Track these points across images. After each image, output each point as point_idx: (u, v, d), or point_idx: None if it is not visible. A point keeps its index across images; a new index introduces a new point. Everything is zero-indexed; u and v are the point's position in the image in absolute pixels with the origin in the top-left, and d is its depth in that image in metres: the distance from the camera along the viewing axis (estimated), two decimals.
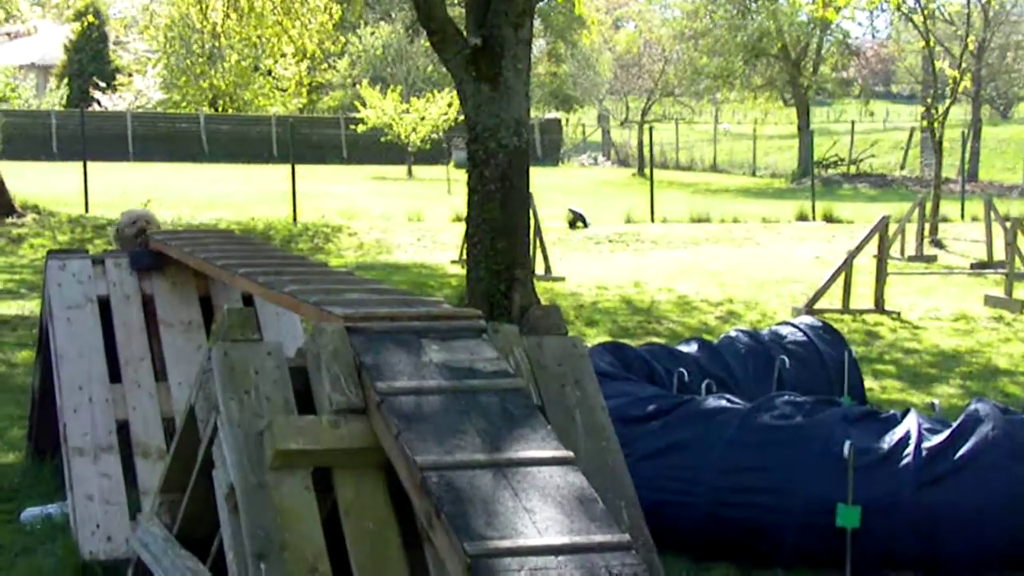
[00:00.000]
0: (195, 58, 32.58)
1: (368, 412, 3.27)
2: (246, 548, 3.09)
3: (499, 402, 3.27)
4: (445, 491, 2.85)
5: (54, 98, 43.75)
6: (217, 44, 23.73)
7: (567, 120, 50.53)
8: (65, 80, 44.90)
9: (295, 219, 20.33)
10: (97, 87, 43.25)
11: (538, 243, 14.40)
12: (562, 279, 14.43)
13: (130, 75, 44.72)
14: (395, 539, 3.16)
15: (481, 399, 3.27)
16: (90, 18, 39.69)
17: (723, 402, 5.88)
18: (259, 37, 19.75)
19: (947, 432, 5.43)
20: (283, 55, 21.64)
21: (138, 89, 43.83)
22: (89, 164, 21.46)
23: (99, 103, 42.82)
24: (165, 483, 3.99)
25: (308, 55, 21.07)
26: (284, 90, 38.70)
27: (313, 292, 4.10)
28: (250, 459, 3.20)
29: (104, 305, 5.96)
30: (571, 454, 3.11)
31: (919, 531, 5.19)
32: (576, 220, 20.96)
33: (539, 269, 14.24)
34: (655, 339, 10.24)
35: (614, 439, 3.55)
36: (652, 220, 22.58)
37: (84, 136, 24.22)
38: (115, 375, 5.78)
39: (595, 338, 10.29)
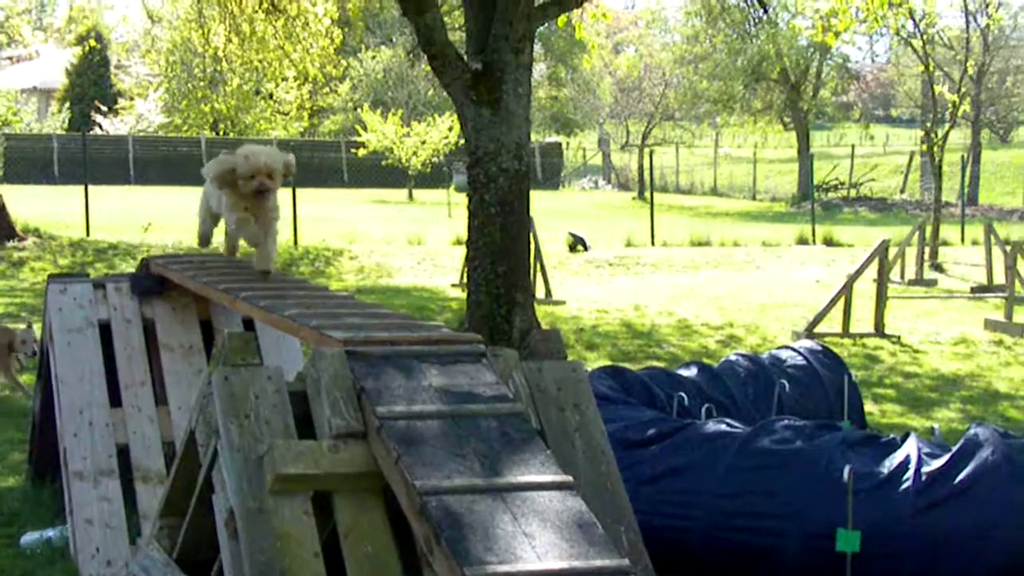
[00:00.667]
0: (196, 82, 32.66)
1: (368, 436, 3.27)
2: (245, 573, 3.09)
3: (498, 426, 3.28)
4: (444, 516, 2.85)
5: (56, 122, 43.90)
6: (219, 68, 23.80)
7: (568, 144, 50.69)
8: (67, 104, 45.07)
9: (296, 242, 20.36)
10: (99, 111, 43.42)
11: (538, 267, 14.42)
12: (562, 303, 14.44)
13: (131, 99, 44.90)
14: (395, 564, 3.16)
15: (481, 424, 3.27)
16: (92, 42, 39.84)
17: (723, 426, 5.88)
18: (261, 61, 19.83)
19: (947, 456, 5.42)
20: (284, 79, 21.75)
21: (139, 113, 43.99)
22: (90, 188, 21.50)
23: (101, 127, 42.98)
24: (165, 507, 3.99)
25: (309, 79, 21.16)
26: (286, 114, 38.85)
27: (313, 316, 4.11)
28: (250, 484, 3.20)
29: (105, 329, 5.97)
30: (570, 479, 3.11)
31: (919, 555, 5.18)
32: (576, 244, 20.99)
33: (539, 293, 14.25)
34: (655, 363, 10.24)
35: (613, 463, 3.55)
36: (652, 244, 22.61)
37: (86, 160, 24.29)
38: (115, 399, 5.79)
39: (595, 362, 10.29)
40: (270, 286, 5.08)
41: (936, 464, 5.39)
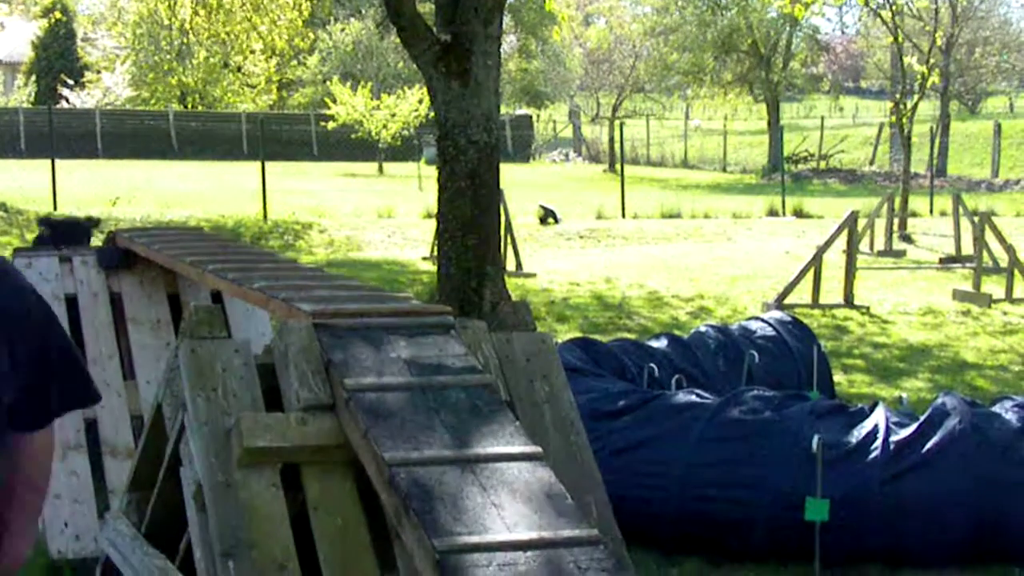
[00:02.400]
0: (164, 55, 32.45)
1: (336, 409, 3.26)
2: (214, 546, 3.08)
3: (467, 398, 3.27)
4: (413, 487, 2.85)
5: (22, 95, 43.38)
6: (186, 41, 23.64)
7: (538, 116, 50.57)
8: (33, 77, 44.51)
9: (265, 216, 20.24)
10: (65, 84, 42.93)
11: (509, 239, 14.40)
12: (533, 275, 14.43)
13: (98, 72, 44.41)
14: (364, 535, 3.15)
15: (449, 395, 3.26)
16: (57, 14, 39.37)
17: (693, 397, 5.90)
18: (228, 33, 19.65)
19: (914, 426, 5.47)
20: (252, 52, 21.57)
21: (106, 86, 43.52)
22: (58, 162, 21.29)
23: (67, 100, 42.51)
24: (133, 481, 3.96)
25: (277, 52, 21.01)
26: (254, 87, 38.59)
27: (282, 289, 4.08)
28: (217, 457, 3.18)
29: (71, 303, 5.92)
30: (540, 449, 3.11)
31: (887, 524, 5.23)
32: (547, 216, 20.96)
33: (510, 265, 14.24)
34: (626, 335, 10.26)
35: (583, 434, 3.55)
36: (623, 216, 22.62)
37: (52, 134, 24.01)
38: None
39: (566, 334, 10.30)
40: (238, 259, 5.04)
41: (904, 433, 5.43)
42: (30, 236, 17.03)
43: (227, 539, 3.05)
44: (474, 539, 2.70)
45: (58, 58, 45.40)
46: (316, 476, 3.22)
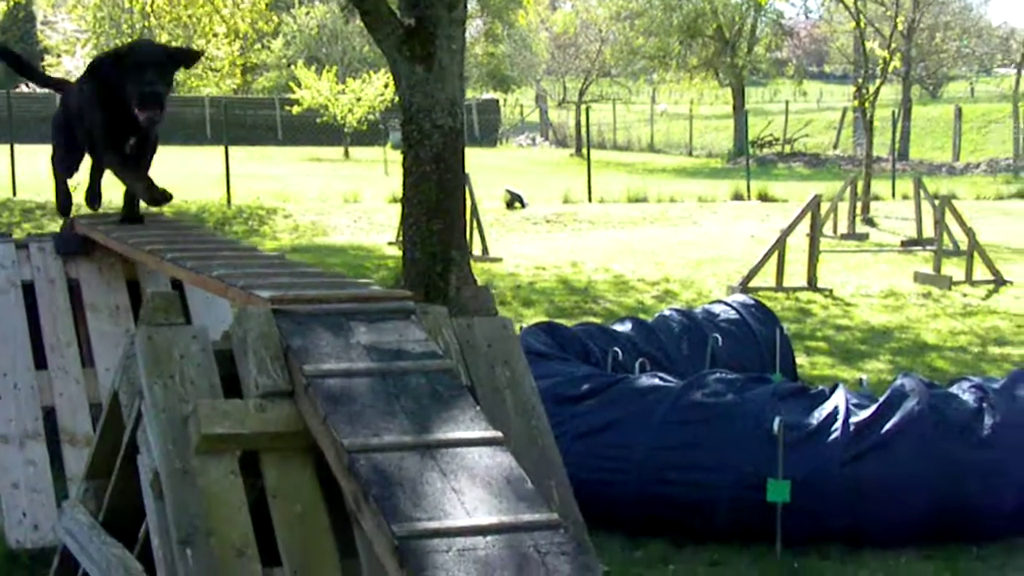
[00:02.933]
0: (125, 38, 32.01)
1: (295, 395, 3.24)
2: (172, 534, 3.05)
3: (428, 383, 3.26)
4: (373, 473, 2.83)
5: None
6: (147, 24, 23.37)
7: (504, 101, 50.51)
8: None
9: (229, 201, 20.11)
10: None
11: (475, 224, 14.39)
12: (499, 260, 14.43)
13: (59, 56, 43.89)
14: (323, 522, 3.14)
15: (410, 381, 3.25)
16: None
17: (656, 380, 5.92)
18: (190, 17, 19.48)
19: (874, 407, 5.51)
20: (215, 35, 21.35)
21: (67, 70, 42.97)
22: (17, 147, 21.04)
23: (27, 85, 41.99)
24: (90, 469, 3.93)
25: (241, 35, 20.83)
26: (217, 71, 38.22)
27: (241, 276, 4.05)
28: (175, 444, 3.16)
29: (28, 290, 5.85)
30: (500, 435, 3.10)
31: (847, 504, 5.27)
32: (513, 201, 20.96)
33: (476, 250, 14.22)
34: (591, 319, 10.28)
35: (544, 419, 3.55)
36: (590, 200, 22.65)
37: (11, 118, 23.72)
38: (40, 361, 5.68)
39: (532, 318, 10.31)
40: (198, 246, 5.00)
41: (863, 415, 5.48)
42: None
43: (185, 526, 3.03)
44: (434, 524, 2.69)
45: (17, 42, 44.84)
46: (275, 463, 3.20)
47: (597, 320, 9.85)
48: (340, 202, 21.06)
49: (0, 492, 5.29)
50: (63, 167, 5.97)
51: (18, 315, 5.71)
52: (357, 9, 10.68)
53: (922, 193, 16.18)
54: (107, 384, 5.45)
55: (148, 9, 19.04)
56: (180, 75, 39.68)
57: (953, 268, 13.36)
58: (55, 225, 16.41)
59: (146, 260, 5.04)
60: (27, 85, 41.43)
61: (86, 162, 5.85)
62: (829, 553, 5.31)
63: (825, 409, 5.53)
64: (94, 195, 6.08)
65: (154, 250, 4.87)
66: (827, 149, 40.47)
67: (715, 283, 12.89)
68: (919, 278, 13.14)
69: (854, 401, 5.61)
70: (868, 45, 21.29)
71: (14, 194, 19.86)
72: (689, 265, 14.28)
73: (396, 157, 22.55)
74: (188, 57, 5.17)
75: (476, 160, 20.76)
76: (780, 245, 12.29)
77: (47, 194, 19.85)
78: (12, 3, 40.57)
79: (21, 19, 44.97)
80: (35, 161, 24.57)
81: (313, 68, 36.09)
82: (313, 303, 3.55)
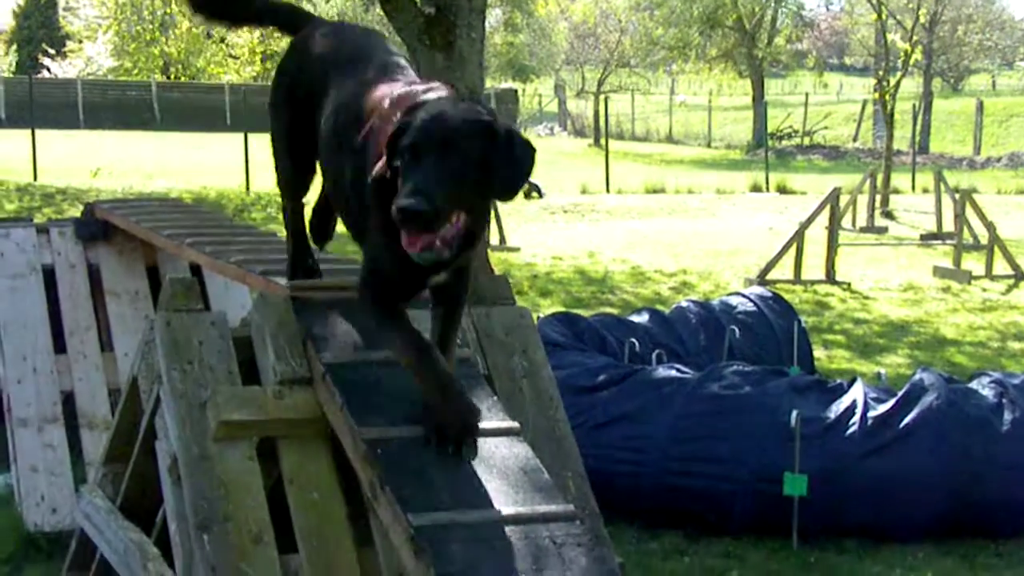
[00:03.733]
0: (146, 25, 32.19)
1: (313, 383, 3.24)
2: (189, 519, 3.06)
3: None
4: (389, 462, 2.83)
5: (3, 65, 43.01)
6: (168, 10, 23.43)
7: (523, 90, 50.39)
8: (14, 47, 44.14)
9: (248, 188, 20.15)
10: (47, 54, 42.57)
11: (493, 213, 14.37)
12: (517, 249, 14.42)
13: (80, 42, 44.03)
14: (340, 510, 3.14)
15: None
16: None
17: (673, 372, 5.91)
18: None
19: (892, 401, 5.49)
20: None
21: (88, 56, 43.17)
22: (38, 132, 21.13)
23: (49, 70, 42.17)
24: (108, 454, 3.94)
25: None
26: (237, 58, 38.30)
27: (260, 263, 4.05)
28: (193, 430, 3.16)
29: (49, 275, 5.88)
30: (517, 424, 3.10)
31: (864, 499, 5.25)
32: (531, 191, 20.92)
33: (494, 239, 14.21)
34: (608, 309, 10.26)
35: (561, 409, 3.54)
36: (607, 191, 22.60)
37: (33, 103, 23.84)
38: (60, 346, 5.71)
39: (549, 308, 10.30)
40: (216, 232, 5.00)
41: (882, 409, 5.45)
42: (10, 206, 16.93)
43: (202, 512, 3.04)
44: (450, 514, 2.69)
45: (39, 27, 45.00)
46: (292, 450, 3.20)
47: (614, 311, 9.83)
48: None
49: (19, 475, 5.33)
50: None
51: (38, 299, 5.74)
52: None
53: (942, 187, 16.08)
54: (126, 369, 5.48)
55: None
56: (201, 62, 39.34)
57: (973, 262, 13.29)
58: (75, 210, 16.52)
59: (165, 245, 5.05)
60: (49, 70, 41.62)
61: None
62: (846, 547, 5.29)
63: (843, 403, 5.51)
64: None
65: (173, 235, 4.88)
66: (847, 142, 40.28)
67: (732, 275, 12.85)
68: (938, 272, 13.07)
69: (872, 395, 5.58)
70: (889, 37, 21.16)
71: (35, 179, 19.94)
72: (707, 257, 14.24)
73: None
74: None
75: None
76: (798, 237, 12.24)
77: (67, 179, 19.96)
78: None
79: (44, 5, 45.10)
80: (56, 146, 24.73)
81: None
82: (332, 291, 3.55)
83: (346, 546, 3.10)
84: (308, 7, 43.26)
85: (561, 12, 49.01)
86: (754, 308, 7.73)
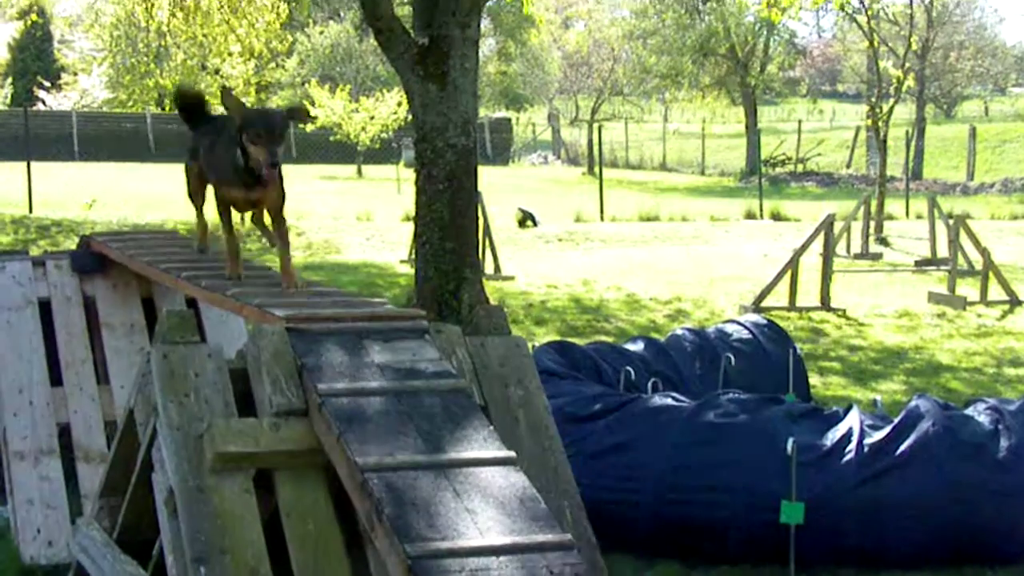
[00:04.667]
0: (141, 57, 32.26)
1: (309, 414, 3.25)
2: (186, 552, 3.06)
3: (441, 403, 3.27)
4: (386, 492, 2.84)
5: None
6: (163, 43, 23.53)
7: (517, 119, 50.62)
8: (9, 79, 44.24)
9: (243, 219, 20.15)
10: (42, 86, 42.68)
11: (487, 242, 14.40)
12: (511, 278, 14.44)
13: (75, 74, 44.20)
14: (337, 540, 3.15)
15: (423, 400, 3.26)
16: (34, 17, 39.17)
17: (669, 400, 5.91)
18: (206, 36, 19.58)
19: (888, 428, 5.49)
20: (230, 54, 21.49)
21: (83, 88, 43.31)
22: (34, 164, 21.15)
23: (44, 102, 42.27)
24: (105, 487, 3.94)
25: (256, 54, 20.95)
26: (232, 89, 38.46)
27: (255, 295, 4.07)
28: (189, 462, 3.17)
29: (45, 307, 5.88)
30: (513, 454, 3.11)
31: (861, 526, 5.25)
32: (526, 219, 20.98)
33: (488, 268, 14.24)
34: (604, 337, 10.27)
35: (557, 439, 3.56)
36: (602, 219, 22.66)
37: (28, 136, 23.86)
38: (56, 378, 5.71)
39: (544, 337, 10.31)
40: (212, 265, 5.02)
41: (878, 436, 5.45)
42: (5, 239, 16.95)
43: (199, 544, 3.04)
44: (447, 544, 2.70)
45: (35, 60, 45.14)
46: (289, 481, 3.21)
47: (609, 339, 9.84)
48: (353, 220, 21.11)
49: (15, 508, 5.31)
50: None
51: (34, 332, 5.74)
52: (371, 28, 10.75)
53: (936, 212, 16.14)
54: (122, 401, 5.48)
55: (165, 28, 19.15)
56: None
57: (968, 288, 13.32)
58: (71, 242, 16.55)
59: (162, 278, 5.06)
60: (44, 103, 41.73)
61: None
62: (843, 575, 5.28)
63: (839, 430, 5.51)
64: None
65: (170, 268, 4.90)
66: (840, 168, 40.43)
67: (728, 302, 12.87)
68: (933, 298, 13.10)
69: (868, 422, 5.59)
70: (881, 64, 21.30)
71: (31, 211, 19.96)
72: (701, 284, 14.26)
73: (409, 175, 22.64)
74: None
75: (488, 178, 20.78)
76: (793, 264, 12.27)
77: (63, 211, 19.98)
78: (30, 23, 40.94)
79: (39, 38, 45.25)
80: (52, 178, 24.76)
81: (327, 87, 36.23)
82: (327, 322, 3.57)
83: None
84: (303, 38, 43.43)
85: (554, 41, 49.31)
86: (749, 336, 7.74)
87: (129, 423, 3.67)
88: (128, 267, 5.65)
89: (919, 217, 21.91)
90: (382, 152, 35.66)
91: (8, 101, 42.48)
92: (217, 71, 36.30)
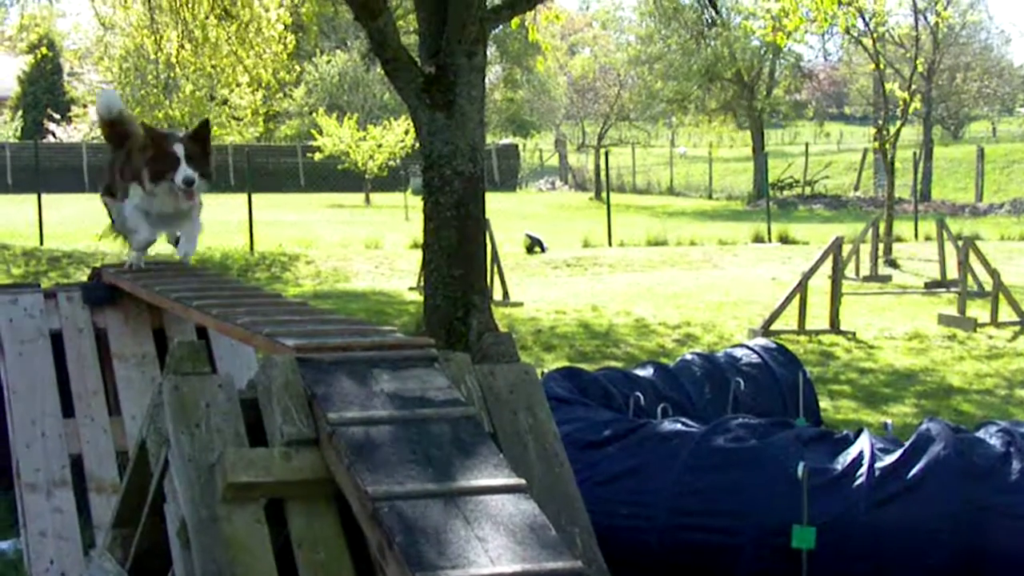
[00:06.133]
0: (150, 88, 32.47)
1: (320, 443, 3.27)
2: None
3: (451, 431, 3.28)
4: (397, 521, 2.85)
5: (8, 130, 43.41)
6: (172, 75, 23.70)
7: (524, 145, 50.77)
8: (19, 112, 44.53)
9: (252, 248, 20.25)
10: (52, 119, 42.95)
11: (495, 269, 14.43)
12: (520, 304, 14.45)
13: (85, 106, 44.41)
14: (348, 570, 3.15)
15: (433, 428, 3.27)
16: (44, 50, 39.41)
17: (678, 425, 5.91)
18: (214, 67, 19.71)
19: (899, 452, 5.48)
20: (239, 84, 21.62)
21: (93, 120, 43.49)
22: (44, 196, 21.28)
23: (54, 135, 42.54)
24: (117, 518, 3.96)
25: (263, 84, 21.07)
26: (240, 119, 38.64)
27: (266, 324, 4.09)
28: (201, 492, 3.18)
29: (56, 339, 5.91)
30: (523, 482, 3.12)
31: (872, 550, 5.23)
32: (534, 245, 21.02)
33: (497, 295, 14.26)
34: (612, 363, 10.28)
35: (567, 465, 3.56)
36: (610, 244, 22.69)
37: (38, 168, 24.01)
38: (68, 409, 5.73)
39: (553, 363, 10.32)
40: (223, 294, 5.05)
41: (889, 460, 5.44)
42: (16, 271, 17.03)
43: (211, 574, 3.05)
44: (458, 573, 2.71)
45: (44, 93, 45.46)
46: (300, 511, 3.22)
47: (618, 364, 9.85)
48: (361, 248, 21.17)
49: (28, 540, 5.33)
50: None
51: (46, 364, 5.77)
52: (378, 57, 10.81)
53: (945, 234, 16.14)
54: (134, 432, 5.50)
55: (173, 60, 19.29)
56: None
57: (978, 310, 13.31)
58: (81, 273, 16.62)
59: (173, 308, 5.09)
60: (54, 135, 41.98)
61: None
62: None
63: (850, 454, 5.50)
64: None
65: (181, 298, 4.93)
66: (848, 191, 40.46)
67: (736, 326, 12.87)
68: (943, 320, 13.08)
69: (879, 446, 5.58)
70: (888, 87, 21.35)
71: (41, 243, 20.06)
72: (710, 308, 14.27)
73: (416, 203, 22.72)
74: None
75: (496, 205, 20.85)
76: (802, 288, 12.27)
77: (74, 242, 20.07)
78: (40, 56, 41.26)
79: (49, 71, 45.58)
80: (62, 210, 24.87)
81: (335, 115, 36.41)
82: (337, 351, 3.59)
83: None
84: (310, 68, 43.68)
85: (560, 67, 49.49)
86: (759, 360, 7.73)
87: (141, 454, 3.68)
88: (139, 297, 5.68)
89: (928, 239, 21.90)
90: (390, 180, 35.79)
91: (19, 134, 42.73)
92: (225, 101, 36.52)
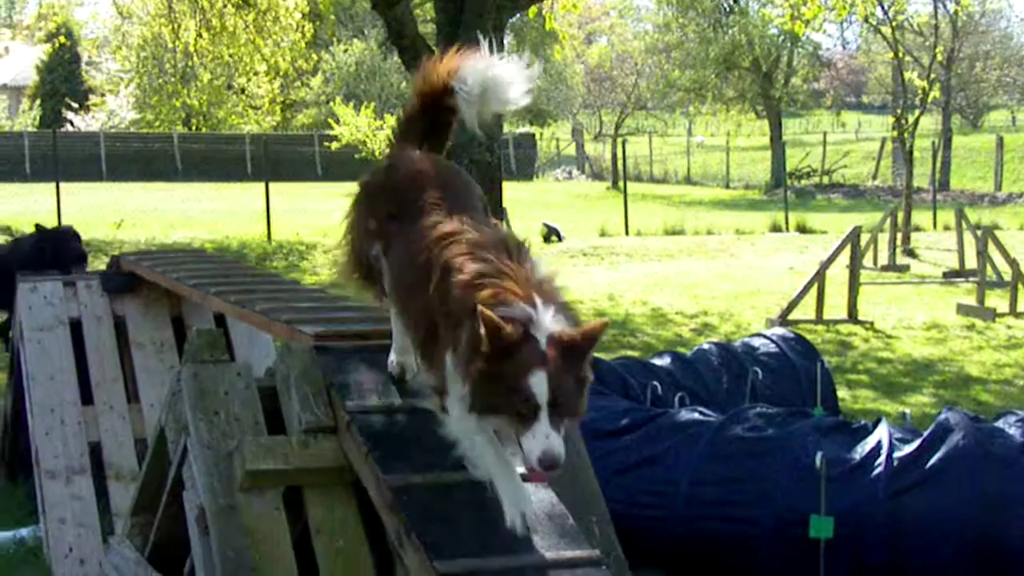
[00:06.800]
0: (168, 77, 32.55)
1: (338, 431, 3.27)
2: (217, 569, 3.08)
3: None
4: (415, 510, 2.85)
5: (27, 119, 43.55)
6: (190, 63, 23.72)
7: (541, 134, 50.67)
8: (38, 101, 44.70)
9: (269, 237, 20.28)
10: (70, 107, 43.09)
11: None
12: None
13: (103, 95, 44.57)
14: (366, 557, 3.16)
15: None
16: (62, 39, 39.48)
17: (696, 415, 5.90)
18: (232, 56, 19.75)
19: (918, 442, 5.46)
20: (256, 73, 21.67)
21: (111, 109, 43.68)
22: (62, 185, 21.34)
23: (72, 123, 42.66)
24: (136, 505, 3.97)
25: (281, 73, 21.11)
26: (258, 108, 38.70)
27: (284, 311, 4.10)
28: (220, 480, 3.19)
29: (76, 327, 5.94)
30: None
31: (891, 540, 5.22)
32: (551, 234, 20.99)
33: None
34: (630, 352, 10.26)
35: (585, 454, 3.56)
36: (627, 233, 22.64)
37: (56, 157, 24.08)
38: (87, 397, 5.76)
39: None
40: (241, 282, 5.06)
41: (907, 449, 5.43)
42: None
43: (230, 562, 3.06)
44: (475, 561, 2.71)
45: (63, 82, 45.60)
46: (318, 498, 3.23)
47: (635, 354, 9.83)
48: None
49: (47, 527, 5.36)
50: None
51: (65, 352, 5.80)
52: (395, 46, 10.81)
53: (964, 224, 16.04)
54: (152, 420, 5.52)
55: (191, 49, 19.32)
56: (222, 113, 39.92)
57: (997, 300, 13.23)
58: (100, 262, 16.64)
59: (191, 295, 5.11)
60: (72, 124, 42.13)
61: None
62: None
63: (868, 444, 5.49)
64: None
65: (199, 284, 4.94)
66: (866, 180, 40.26)
67: (754, 316, 12.83)
68: (962, 310, 13.01)
69: (897, 435, 5.56)
70: (907, 75, 21.22)
71: None
72: (727, 298, 14.22)
73: None
74: None
75: (513, 194, 20.82)
76: (820, 277, 12.22)
77: (91, 231, 20.13)
78: (57, 45, 41.38)
79: (67, 60, 45.71)
80: (80, 199, 24.97)
81: (351, 104, 36.39)
82: (355, 339, 3.58)
83: None
84: (327, 56, 43.66)
85: (577, 56, 49.35)
86: (776, 349, 7.71)
87: (160, 442, 3.70)
88: (158, 285, 5.70)
89: (947, 228, 21.79)
90: None
91: (37, 123, 42.89)
92: (243, 90, 36.59)
